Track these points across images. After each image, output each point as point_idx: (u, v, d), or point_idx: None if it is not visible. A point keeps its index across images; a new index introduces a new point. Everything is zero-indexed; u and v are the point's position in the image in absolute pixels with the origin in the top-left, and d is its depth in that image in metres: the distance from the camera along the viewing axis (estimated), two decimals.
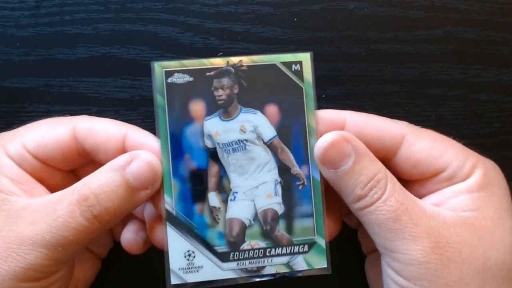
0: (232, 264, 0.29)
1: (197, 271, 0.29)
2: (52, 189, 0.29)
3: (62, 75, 0.35)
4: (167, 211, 0.28)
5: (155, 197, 0.29)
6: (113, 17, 0.35)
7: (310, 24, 0.35)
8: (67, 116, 0.31)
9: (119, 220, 0.28)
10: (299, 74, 0.29)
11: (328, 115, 0.29)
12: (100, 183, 0.27)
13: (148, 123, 0.35)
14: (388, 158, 0.29)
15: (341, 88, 0.35)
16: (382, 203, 0.26)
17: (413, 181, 0.30)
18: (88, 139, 0.28)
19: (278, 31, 0.35)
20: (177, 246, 0.29)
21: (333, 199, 0.29)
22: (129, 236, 0.31)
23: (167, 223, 0.28)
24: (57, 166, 0.29)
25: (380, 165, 0.28)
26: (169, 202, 0.29)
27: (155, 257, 0.30)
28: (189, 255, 0.29)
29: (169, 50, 0.35)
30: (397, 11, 0.35)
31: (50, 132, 0.29)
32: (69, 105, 0.35)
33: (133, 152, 0.28)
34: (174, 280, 0.28)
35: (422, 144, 0.29)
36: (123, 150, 0.28)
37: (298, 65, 0.29)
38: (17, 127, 0.31)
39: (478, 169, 0.28)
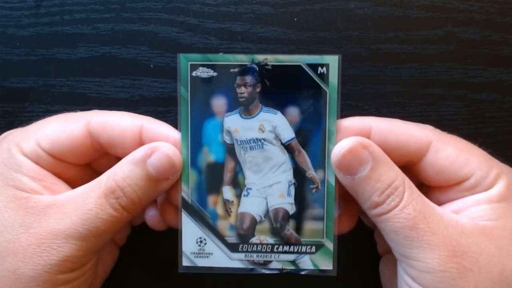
0: (240, 255, 0.30)
1: (207, 257, 0.30)
2: (70, 183, 0.29)
3: (62, 75, 0.35)
4: (183, 198, 0.29)
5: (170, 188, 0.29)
6: (113, 17, 0.35)
7: (310, 24, 0.35)
8: (78, 112, 0.31)
9: (145, 208, 0.30)
10: (325, 77, 0.29)
11: (354, 123, 0.29)
12: (123, 176, 0.27)
13: None
14: (413, 164, 0.29)
15: (341, 88, 0.35)
16: (399, 210, 0.26)
17: (435, 188, 0.29)
18: (103, 133, 0.29)
19: (278, 31, 0.35)
20: (190, 232, 0.30)
21: (351, 195, 0.29)
22: (153, 214, 0.32)
23: (182, 209, 0.29)
24: (72, 161, 0.30)
25: (398, 171, 0.27)
26: (186, 191, 0.29)
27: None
28: (201, 241, 0.30)
29: (169, 50, 0.35)
30: (397, 11, 0.35)
31: (64, 129, 0.29)
32: (69, 105, 0.35)
33: (153, 144, 0.28)
34: (185, 262, 0.30)
35: (448, 152, 0.28)
36: (140, 143, 0.29)
37: (324, 68, 0.29)
38: (18, 127, 0.31)
39: (502, 179, 0.28)
